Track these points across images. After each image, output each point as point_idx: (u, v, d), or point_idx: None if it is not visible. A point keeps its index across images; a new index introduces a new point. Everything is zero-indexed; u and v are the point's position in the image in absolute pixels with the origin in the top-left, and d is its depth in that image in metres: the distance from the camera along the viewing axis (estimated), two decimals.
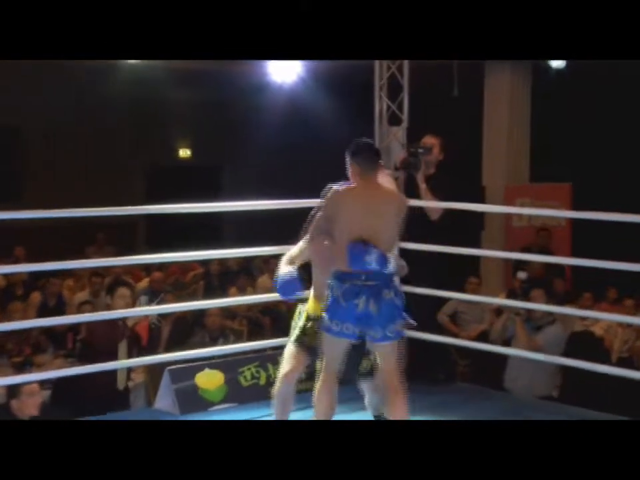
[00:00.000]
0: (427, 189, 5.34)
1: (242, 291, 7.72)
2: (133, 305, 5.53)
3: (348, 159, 3.81)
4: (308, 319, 4.08)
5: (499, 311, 6.27)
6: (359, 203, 3.74)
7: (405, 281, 5.21)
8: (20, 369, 5.64)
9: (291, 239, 5.12)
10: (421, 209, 5.33)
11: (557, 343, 5.63)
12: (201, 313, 6.56)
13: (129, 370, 5.48)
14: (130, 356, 5.33)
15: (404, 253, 5.21)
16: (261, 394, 5.00)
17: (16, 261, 9.01)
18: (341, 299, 3.70)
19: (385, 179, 5.33)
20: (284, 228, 7.03)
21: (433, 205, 5.31)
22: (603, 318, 5.90)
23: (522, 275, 6.19)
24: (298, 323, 4.14)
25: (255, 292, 7.78)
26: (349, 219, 3.72)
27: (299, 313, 4.18)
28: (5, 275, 7.94)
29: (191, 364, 4.88)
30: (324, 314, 3.77)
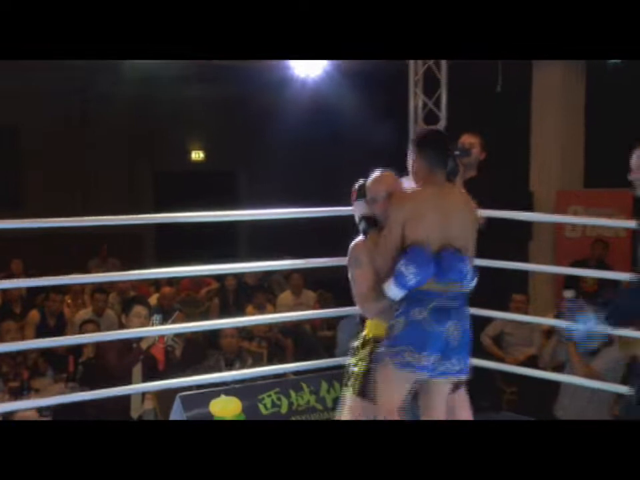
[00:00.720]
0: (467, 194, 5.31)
1: (260, 309, 7.75)
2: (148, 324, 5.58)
3: (413, 152, 3.58)
4: (368, 344, 3.75)
5: (549, 332, 6.25)
6: (434, 210, 3.52)
7: None
8: (16, 394, 5.70)
9: (315, 252, 5.16)
10: None
11: (616, 367, 5.59)
12: (215, 334, 6.59)
13: (144, 396, 5.51)
14: (145, 382, 5.36)
15: None
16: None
17: (11, 276, 9.10)
18: (426, 323, 3.46)
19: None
20: (307, 239, 7.10)
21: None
22: None
23: (568, 293, 6.12)
24: (359, 355, 3.81)
25: (275, 310, 7.82)
26: (426, 231, 3.50)
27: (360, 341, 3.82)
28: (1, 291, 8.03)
29: (204, 390, 4.91)
30: (388, 345, 3.49)
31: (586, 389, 5.33)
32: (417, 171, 3.59)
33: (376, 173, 3.89)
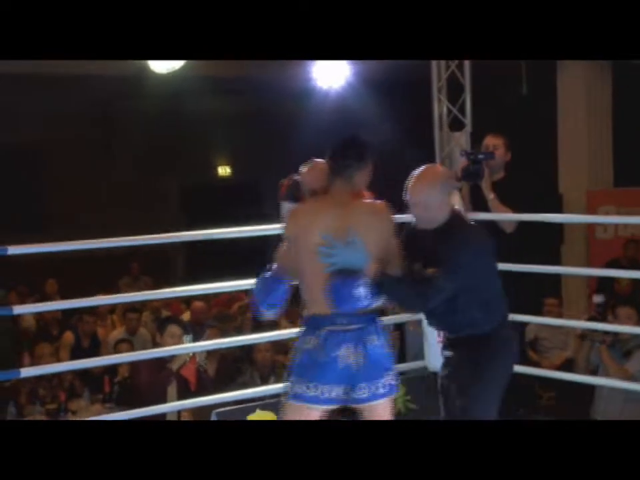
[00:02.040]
0: (494, 198, 5.29)
1: (294, 322, 7.75)
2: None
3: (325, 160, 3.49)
4: None
5: (583, 335, 6.21)
6: (328, 225, 3.28)
7: None
8: (54, 416, 5.75)
9: None
10: (492, 222, 5.30)
11: None
12: (249, 349, 6.61)
13: (179, 415, 5.55)
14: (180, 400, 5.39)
15: None
16: None
17: (45, 297, 9.16)
18: (318, 352, 3.26)
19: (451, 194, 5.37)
20: None
21: (505, 217, 5.27)
22: None
23: (597, 298, 6.05)
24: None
25: None
26: (313, 251, 3.25)
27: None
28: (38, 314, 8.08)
29: (240, 405, 4.93)
30: (289, 377, 3.33)
31: (621, 392, 5.29)
32: (324, 181, 3.48)
33: (310, 164, 3.84)
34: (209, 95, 10.70)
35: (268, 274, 3.52)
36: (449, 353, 3.74)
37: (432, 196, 3.42)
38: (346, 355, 3.24)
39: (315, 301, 3.33)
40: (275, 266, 3.52)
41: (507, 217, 5.26)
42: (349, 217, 3.30)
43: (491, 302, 3.69)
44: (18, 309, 5.05)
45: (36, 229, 10.55)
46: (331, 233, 3.24)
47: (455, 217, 3.57)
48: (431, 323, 3.93)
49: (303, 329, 3.38)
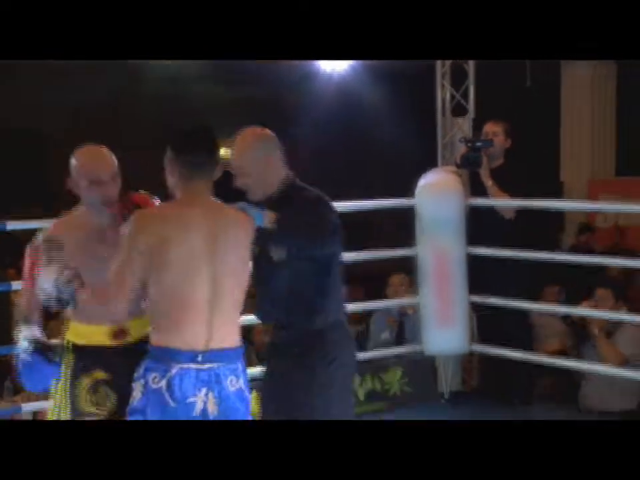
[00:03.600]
0: (493, 185, 5.32)
1: None
2: None
3: (167, 154, 2.84)
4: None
5: (581, 324, 6.24)
6: (192, 232, 2.72)
7: (476, 290, 5.27)
8: None
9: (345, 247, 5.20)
10: (491, 208, 5.34)
11: (633, 342, 5.58)
12: (247, 329, 6.65)
13: None
14: None
15: (477, 259, 5.26)
16: None
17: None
18: (164, 395, 2.68)
19: (451, 177, 5.40)
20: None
21: (504, 203, 5.31)
22: None
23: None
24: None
25: None
26: (175, 262, 2.69)
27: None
28: None
29: None
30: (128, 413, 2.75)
31: (607, 376, 5.33)
32: (171, 180, 2.83)
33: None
34: (208, 80, 10.71)
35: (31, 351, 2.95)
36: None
37: (254, 162, 3.09)
38: (200, 401, 2.69)
39: (170, 329, 2.72)
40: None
41: (505, 203, 5.30)
42: (218, 227, 2.77)
43: (331, 290, 3.16)
44: (17, 285, 5.06)
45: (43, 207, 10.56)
46: (201, 247, 2.71)
47: (292, 185, 3.18)
48: (264, 314, 3.29)
49: (147, 359, 2.75)
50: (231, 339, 2.79)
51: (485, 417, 5.03)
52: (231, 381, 2.76)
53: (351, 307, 6.73)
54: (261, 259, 3.04)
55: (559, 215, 8.81)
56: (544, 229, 7.24)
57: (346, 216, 5.48)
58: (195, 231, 2.73)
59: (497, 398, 5.38)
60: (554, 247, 8.11)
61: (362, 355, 5.10)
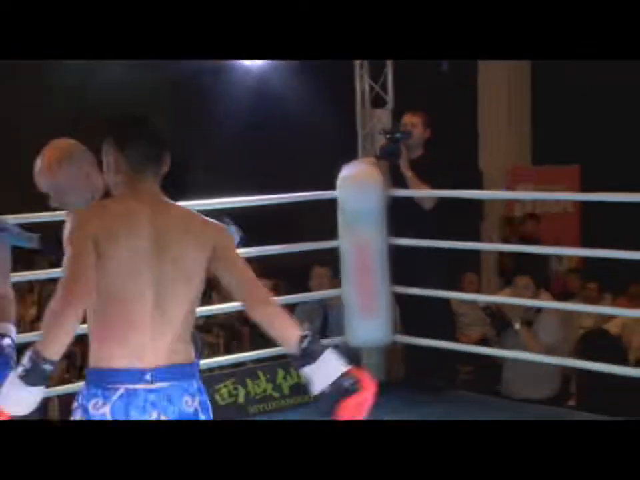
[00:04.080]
0: (413, 176, 5.36)
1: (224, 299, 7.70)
2: None
3: (109, 148, 2.55)
4: None
5: (498, 315, 6.32)
6: (136, 229, 2.44)
7: (397, 281, 5.30)
8: None
9: (263, 240, 5.19)
10: (411, 199, 5.38)
11: (553, 330, 5.68)
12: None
13: None
14: None
15: (398, 250, 5.29)
16: (239, 413, 5.08)
17: None
18: (111, 418, 2.40)
19: (371, 169, 5.41)
20: (253, 228, 7.06)
21: (423, 193, 5.35)
22: (605, 312, 5.96)
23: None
24: None
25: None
26: (116, 263, 2.41)
27: None
28: None
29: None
30: None
31: (528, 364, 5.42)
32: (116, 177, 2.54)
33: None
34: (122, 65, 10.50)
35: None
36: None
37: (64, 177, 3.04)
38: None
39: (111, 345, 2.42)
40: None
41: (425, 193, 5.34)
42: (168, 227, 2.49)
43: None
44: None
45: None
46: (145, 247, 2.44)
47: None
48: None
49: (85, 386, 2.46)
50: (183, 353, 2.49)
51: (409, 406, 5.08)
52: (186, 401, 2.47)
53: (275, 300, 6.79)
54: None
55: (479, 204, 8.90)
56: (464, 218, 7.30)
57: (268, 209, 5.53)
58: (140, 229, 2.43)
59: (420, 387, 5.42)
60: (474, 236, 8.20)
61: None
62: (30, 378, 2.32)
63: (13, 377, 2.34)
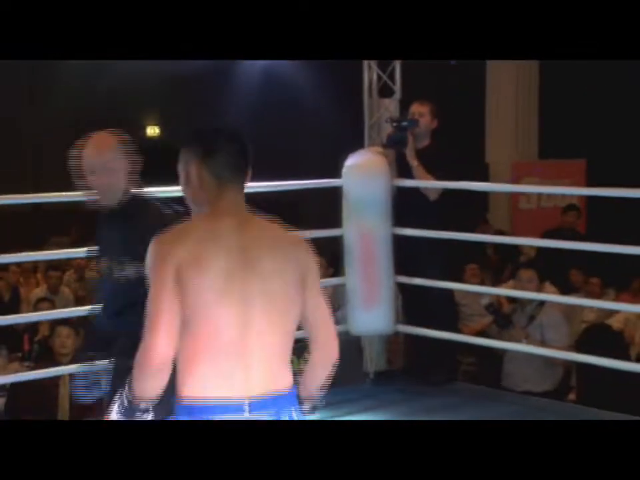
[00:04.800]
0: (419, 165, 5.32)
1: None
2: None
3: (188, 161, 2.38)
4: None
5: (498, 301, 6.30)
6: (222, 248, 2.26)
7: (401, 270, 5.26)
8: None
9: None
10: (416, 189, 5.34)
11: (557, 324, 5.66)
12: None
13: None
14: None
15: (401, 240, 5.26)
16: None
17: None
18: None
19: (377, 158, 5.38)
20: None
21: (429, 184, 5.31)
22: (604, 307, 5.93)
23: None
24: None
25: None
26: (203, 289, 2.23)
27: None
28: None
29: None
30: None
31: (527, 357, 5.39)
32: (199, 190, 2.36)
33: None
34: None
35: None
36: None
37: (109, 161, 3.11)
38: None
39: (204, 377, 2.26)
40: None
41: (430, 184, 5.31)
42: (255, 243, 2.31)
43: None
44: None
45: None
46: (236, 263, 2.26)
47: (137, 199, 3.21)
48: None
49: (177, 418, 2.31)
50: (281, 380, 2.33)
51: (409, 398, 5.06)
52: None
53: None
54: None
55: (484, 196, 8.89)
56: (469, 210, 7.28)
57: (273, 196, 5.49)
58: (228, 245, 2.25)
59: (421, 377, 5.39)
60: (479, 227, 8.17)
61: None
62: (130, 415, 2.29)
63: (116, 412, 2.33)
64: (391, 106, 5.82)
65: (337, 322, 5.60)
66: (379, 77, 5.83)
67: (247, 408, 2.25)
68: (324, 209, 5.99)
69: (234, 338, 2.24)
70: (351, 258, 5.27)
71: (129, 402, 2.27)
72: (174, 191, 4.94)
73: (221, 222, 2.30)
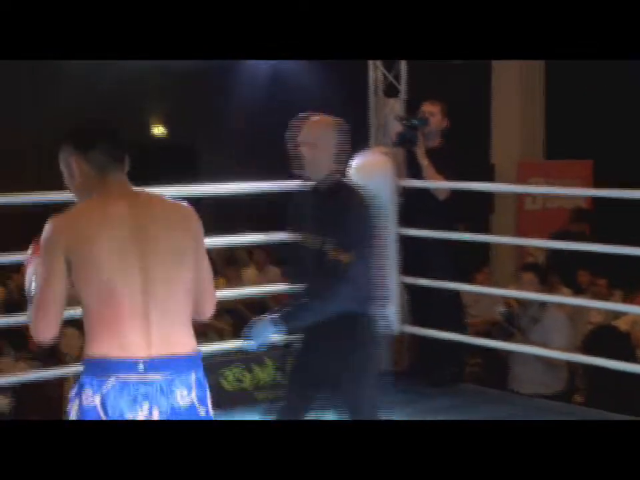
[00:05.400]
0: (429, 165, 5.28)
1: (230, 284, 7.66)
2: None
3: (67, 156, 2.54)
4: None
5: (508, 304, 6.26)
6: (117, 225, 2.43)
7: (407, 270, 5.22)
8: None
9: (273, 227, 5.14)
10: (426, 189, 5.31)
11: (561, 326, 5.62)
12: None
13: None
14: None
15: (407, 240, 5.21)
16: (246, 399, 5.02)
17: None
18: (101, 410, 2.34)
19: (383, 159, 5.33)
20: (259, 215, 7.01)
21: (437, 185, 5.27)
22: (611, 308, 5.89)
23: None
24: None
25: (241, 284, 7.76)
26: (101, 259, 2.39)
27: None
28: None
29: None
30: None
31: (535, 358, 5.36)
32: (81, 180, 2.53)
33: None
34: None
35: None
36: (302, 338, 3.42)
37: (323, 137, 3.33)
38: (141, 417, 2.35)
39: (104, 336, 2.39)
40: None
41: (439, 184, 5.27)
42: (148, 217, 2.48)
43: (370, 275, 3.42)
44: None
45: None
46: (129, 240, 2.42)
47: (343, 182, 3.44)
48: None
49: (82, 375, 2.43)
50: (182, 344, 2.43)
51: (414, 399, 5.01)
52: (181, 393, 2.39)
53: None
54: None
55: (489, 196, 8.83)
56: (475, 210, 7.23)
57: (275, 196, 5.47)
58: (118, 222, 2.43)
59: (426, 379, 5.35)
60: (485, 228, 8.14)
61: None
62: None
63: None
64: (396, 106, 5.78)
65: None
66: (385, 77, 5.80)
67: (141, 367, 2.36)
68: None
69: (132, 302, 2.39)
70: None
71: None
72: (176, 191, 4.99)
73: (109, 204, 2.46)
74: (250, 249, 8.55)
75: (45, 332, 2.43)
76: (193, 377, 2.43)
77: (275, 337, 3.34)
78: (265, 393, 5.19)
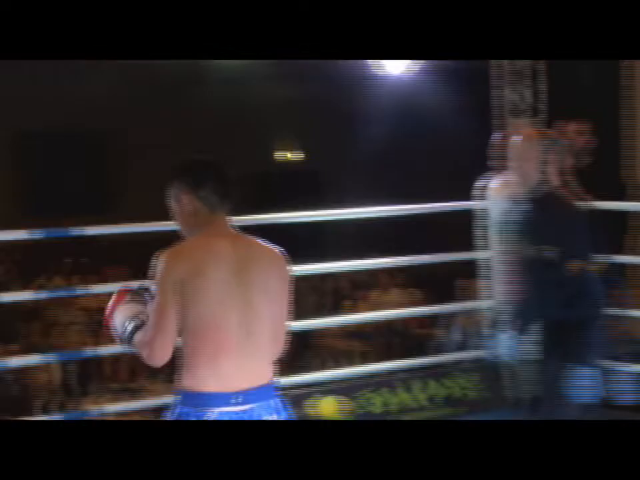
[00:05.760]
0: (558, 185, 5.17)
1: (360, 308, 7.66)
2: None
3: (179, 192, 2.73)
4: None
5: None
6: (221, 261, 2.63)
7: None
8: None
9: (407, 250, 5.09)
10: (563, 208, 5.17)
11: None
12: (308, 333, 6.54)
13: None
14: None
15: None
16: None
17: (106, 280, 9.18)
18: None
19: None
20: (396, 239, 6.99)
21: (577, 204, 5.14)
22: None
23: None
24: None
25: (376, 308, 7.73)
26: (206, 293, 2.59)
27: None
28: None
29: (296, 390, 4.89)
30: None
31: None
32: (192, 217, 2.73)
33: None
34: (271, 80, 10.63)
35: None
36: None
37: (526, 149, 3.52)
38: None
39: (202, 370, 2.62)
40: None
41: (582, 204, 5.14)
42: (248, 257, 2.69)
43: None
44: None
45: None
46: (231, 276, 2.62)
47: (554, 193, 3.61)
48: None
49: (177, 406, 2.64)
50: (265, 374, 2.70)
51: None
52: (272, 418, 2.66)
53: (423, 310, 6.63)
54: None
55: (622, 216, 8.57)
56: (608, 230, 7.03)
57: (405, 219, 5.43)
58: (225, 261, 2.64)
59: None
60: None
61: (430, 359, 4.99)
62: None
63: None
64: (533, 125, 5.69)
65: (475, 347, 5.53)
66: (521, 96, 5.71)
67: (237, 399, 2.59)
68: (460, 231, 5.86)
69: (230, 338, 2.60)
70: (496, 281, 5.13)
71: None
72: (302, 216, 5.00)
73: (215, 242, 2.67)
74: (373, 272, 8.54)
75: (164, 358, 2.62)
76: (274, 402, 2.68)
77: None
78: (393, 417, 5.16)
